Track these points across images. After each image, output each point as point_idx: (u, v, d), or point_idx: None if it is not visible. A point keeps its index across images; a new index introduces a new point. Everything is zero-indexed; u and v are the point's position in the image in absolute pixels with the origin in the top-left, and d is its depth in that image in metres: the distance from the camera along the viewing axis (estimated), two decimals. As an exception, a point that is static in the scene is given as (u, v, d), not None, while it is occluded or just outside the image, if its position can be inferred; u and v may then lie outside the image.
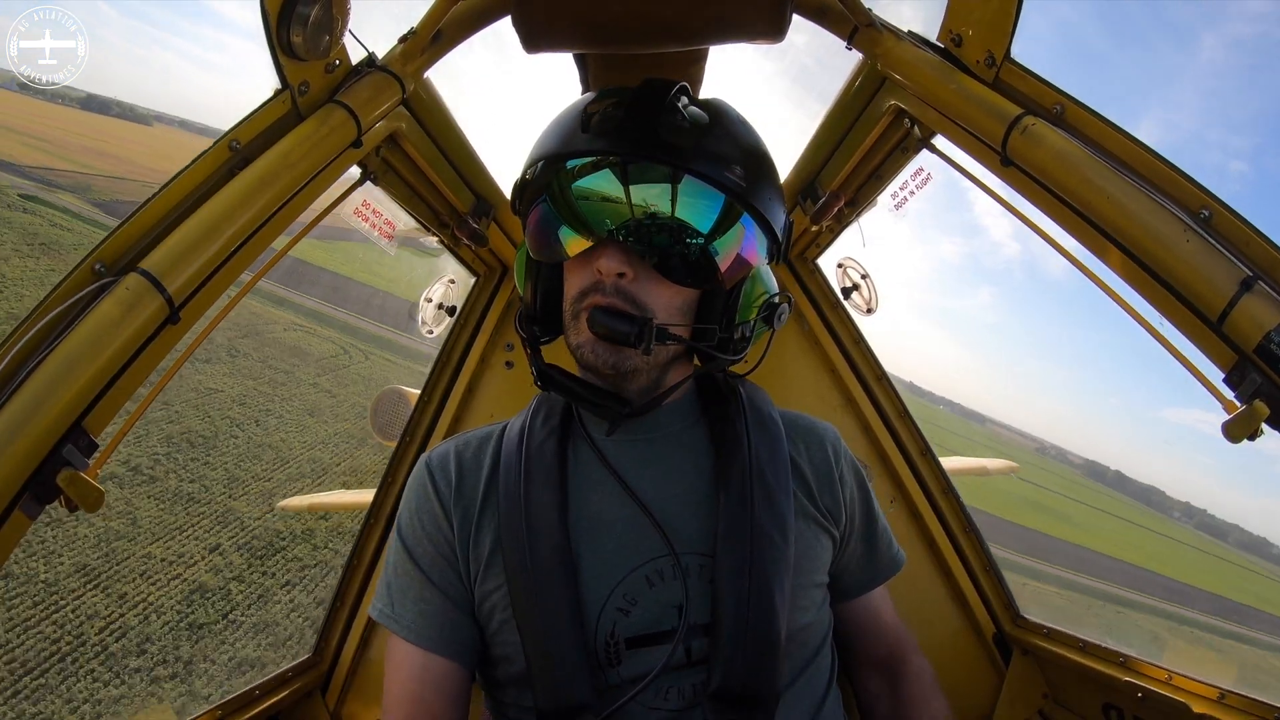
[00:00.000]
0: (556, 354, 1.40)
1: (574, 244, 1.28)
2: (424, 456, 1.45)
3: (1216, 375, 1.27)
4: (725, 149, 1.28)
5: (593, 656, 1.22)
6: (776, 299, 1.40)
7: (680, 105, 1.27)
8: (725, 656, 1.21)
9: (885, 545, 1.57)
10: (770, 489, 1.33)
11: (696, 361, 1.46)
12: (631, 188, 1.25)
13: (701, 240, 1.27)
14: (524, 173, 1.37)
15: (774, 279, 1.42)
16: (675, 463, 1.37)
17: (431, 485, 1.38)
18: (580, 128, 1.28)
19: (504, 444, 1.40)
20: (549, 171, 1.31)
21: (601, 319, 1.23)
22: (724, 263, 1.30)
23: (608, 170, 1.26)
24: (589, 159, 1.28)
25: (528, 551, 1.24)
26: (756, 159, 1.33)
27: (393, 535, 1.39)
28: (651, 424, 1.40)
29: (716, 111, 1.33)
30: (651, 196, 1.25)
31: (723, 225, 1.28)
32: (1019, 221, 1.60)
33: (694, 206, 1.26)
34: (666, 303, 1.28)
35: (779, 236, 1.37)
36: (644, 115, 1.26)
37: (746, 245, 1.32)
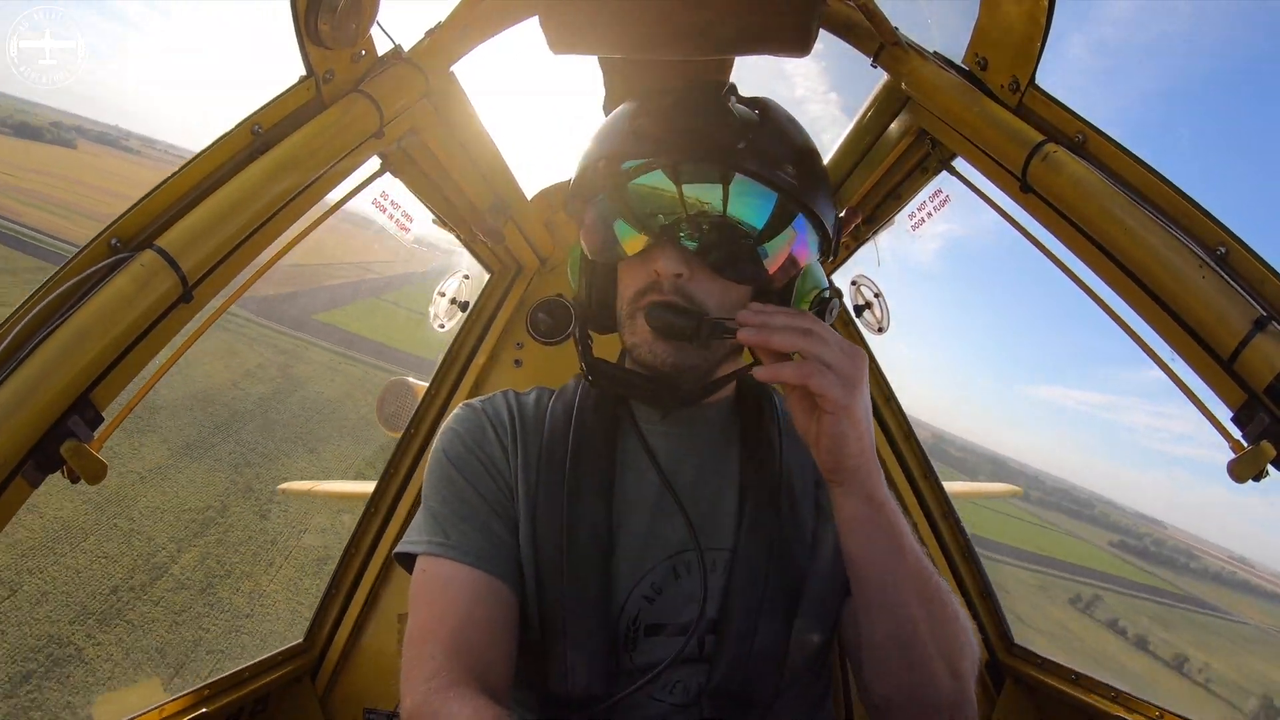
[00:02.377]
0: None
1: (631, 244, 1.28)
2: (471, 401, 1.43)
3: (1224, 413, 1.27)
4: (775, 147, 1.28)
5: (614, 641, 1.22)
6: (827, 294, 1.37)
7: (730, 105, 1.28)
8: (729, 655, 1.21)
9: None
10: (796, 498, 1.35)
11: (748, 356, 1.45)
12: (685, 187, 1.25)
13: (754, 238, 1.27)
14: (580, 172, 1.36)
15: (824, 274, 1.41)
16: (713, 460, 1.37)
17: (489, 423, 1.36)
18: (634, 129, 1.29)
19: (550, 414, 1.39)
20: (605, 172, 1.31)
21: (659, 314, 1.23)
22: (776, 260, 1.29)
23: (660, 171, 1.25)
24: (643, 160, 1.27)
25: (565, 529, 1.24)
26: (806, 155, 1.32)
27: (441, 467, 1.32)
28: (697, 418, 1.40)
29: (765, 109, 1.33)
30: (705, 195, 1.24)
31: (774, 223, 1.28)
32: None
33: (747, 205, 1.25)
34: (720, 300, 1.28)
35: (830, 233, 1.36)
36: (695, 115, 1.28)
37: (798, 242, 1.31)
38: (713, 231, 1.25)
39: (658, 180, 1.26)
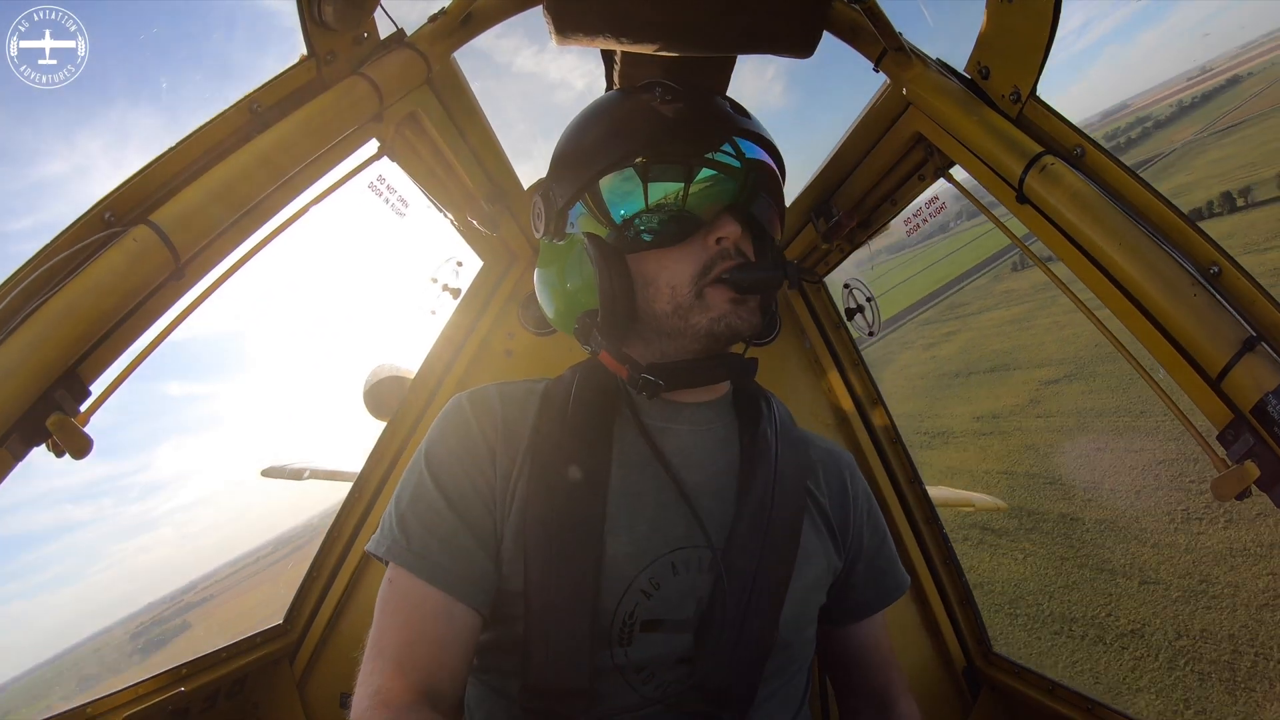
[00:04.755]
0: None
1: (676, 229, 1.30)
2: (460, 395, 1.39)
3: (1210, 432, 1.28)
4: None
5: (600, 635, 1.20)
6: None
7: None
8: (715, 653, 1.21)
9: (892, 568, 1.58)
10: (788, 502, 1.35)
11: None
12: (716, 156, 1.31)
13: (775, 189, 1.38)
14: (587, 171, 1.33)
15: None
16: (712, 456, 1.37)
17: (476, 422, 1.33)
18: (655, 119, 1.32)
19: (546, 405, 1.37)
20: (635, 165, 1.31)
21: (744, 276, 1.27)
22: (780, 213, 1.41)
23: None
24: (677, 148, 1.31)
25: (555, 523, 1.22)
26: None
27: (418, 470, 1.29)
28: (699, 416, 1.40)
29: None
30: (728, 159, 1.32)
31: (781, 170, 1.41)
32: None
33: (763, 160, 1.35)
34: (759, 252, 1.36)
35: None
36: (713, 103, 1.37)
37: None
38: (750, 191, 1.33)
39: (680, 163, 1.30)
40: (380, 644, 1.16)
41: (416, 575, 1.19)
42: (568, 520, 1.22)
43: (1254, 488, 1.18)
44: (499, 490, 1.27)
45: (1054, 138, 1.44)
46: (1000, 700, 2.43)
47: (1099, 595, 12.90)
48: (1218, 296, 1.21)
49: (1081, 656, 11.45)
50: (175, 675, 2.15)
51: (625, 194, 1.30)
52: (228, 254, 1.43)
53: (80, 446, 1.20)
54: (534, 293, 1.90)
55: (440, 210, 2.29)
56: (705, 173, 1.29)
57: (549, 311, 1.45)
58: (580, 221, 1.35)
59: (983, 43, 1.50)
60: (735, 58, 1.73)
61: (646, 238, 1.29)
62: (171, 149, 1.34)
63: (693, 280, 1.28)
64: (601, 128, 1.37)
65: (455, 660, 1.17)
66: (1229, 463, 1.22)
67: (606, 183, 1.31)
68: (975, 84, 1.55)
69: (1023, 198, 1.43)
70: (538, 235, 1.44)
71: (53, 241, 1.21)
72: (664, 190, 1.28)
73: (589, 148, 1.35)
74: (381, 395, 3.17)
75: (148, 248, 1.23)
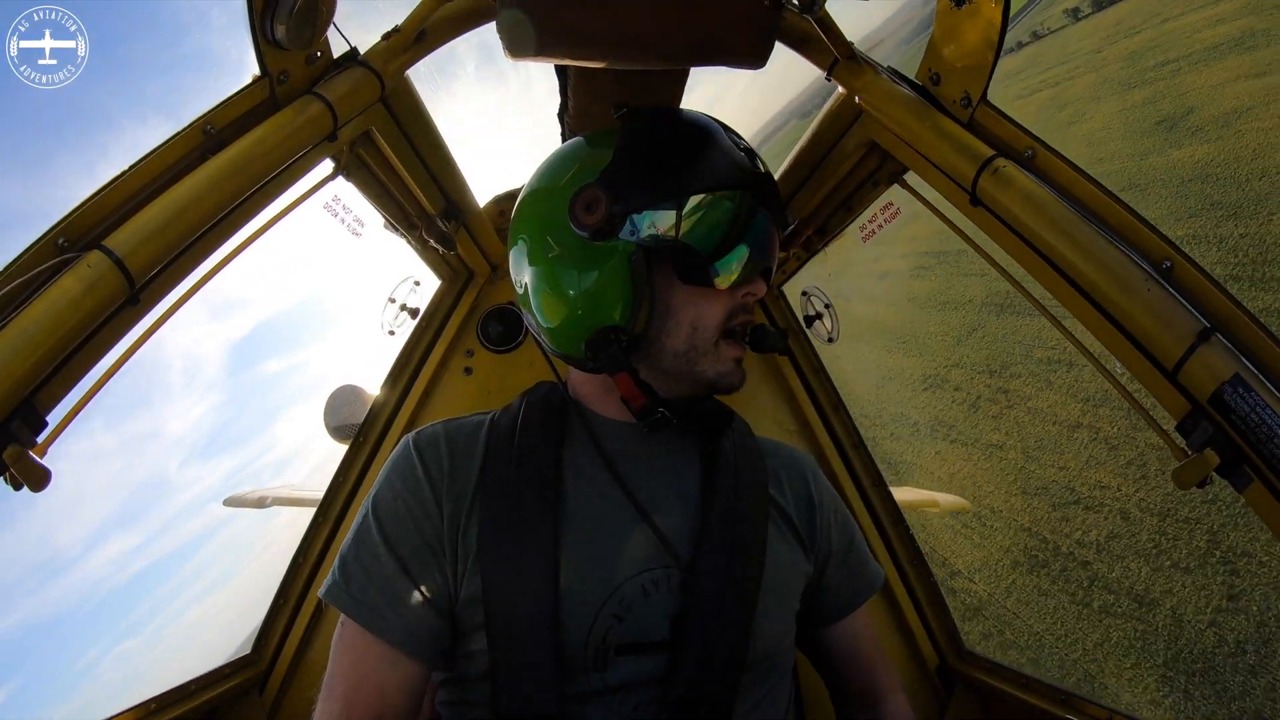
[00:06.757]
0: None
1: (731, 273, 1.32)
2: (409, 436, 1.36)
3: (1170, 423, 1.30)
4: None
5: (573, 661, 1.19)
6: None
7: None
8: (689, 670, 1.20)
9: (863, 565, 1.57)
10: (752, 513, 1.35)
11: None
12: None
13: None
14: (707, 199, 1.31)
15: None
16: (671, 476, 1.37)
17: (421, 467, 1.29)
18: (724, 160, 1.33)
19: (493, 435, 1.34)
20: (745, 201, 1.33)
21: (763, 337, 1.35)
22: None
23: (744, 199, 1.33)
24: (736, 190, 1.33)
25: (509, 553, 1.20)
26: None
27: (364, 515, 1.27)
28: (656, 436, 1.39)
29: None
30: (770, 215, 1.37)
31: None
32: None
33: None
34: None
35: None
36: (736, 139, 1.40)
37: None
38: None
39: (739, 208, 1.32)
40: (330, 686, 1.18)
41: (356, 621, 1.19)
42: (523, 550, 1.21)
43: (1214, 475, 1.21)
44: (448, 534, 1.25)
45: (1005, 141, 1.47)
46: (975, 696, 2.44)
47: (945, 285, 20.73)
48: (1171, 291, 1.24)
49: (930, 318, 19.30)
50: (144, 710, 2.10)
51: (704, 219, 1.29)
52: (183, 278, 1.40)
53: (38, 479, 1.17)
54: (495, 310, 1.87)
55: (396, 229, 2.27)
56: (758, 220, 1.33)
57: (546, 318, 1.36)
58: (643, 227, 1.27)
59: (933, 49, 1.52)
60: (688, 71, 1.74)
61: (707, 269, 1.30)
62: (125, 172, 1.31)
63: (718, 326, 1.30)
64: (696, 147, 1.35)
65: (398, 705, 1.18)
66: (1189, 451, 1.25)
67: (694, 201, 1.28)
68: (926, 90, 1.57)
69: (976, 201, 1.46)
70: (579, 231, 1.28)
71: (5, 269, 1.18)
72: (732, 225, 1.31)
73: (684, 160, 1.33)
74: (342, 418, 3.13)
75: (101, 274, 1.20)
